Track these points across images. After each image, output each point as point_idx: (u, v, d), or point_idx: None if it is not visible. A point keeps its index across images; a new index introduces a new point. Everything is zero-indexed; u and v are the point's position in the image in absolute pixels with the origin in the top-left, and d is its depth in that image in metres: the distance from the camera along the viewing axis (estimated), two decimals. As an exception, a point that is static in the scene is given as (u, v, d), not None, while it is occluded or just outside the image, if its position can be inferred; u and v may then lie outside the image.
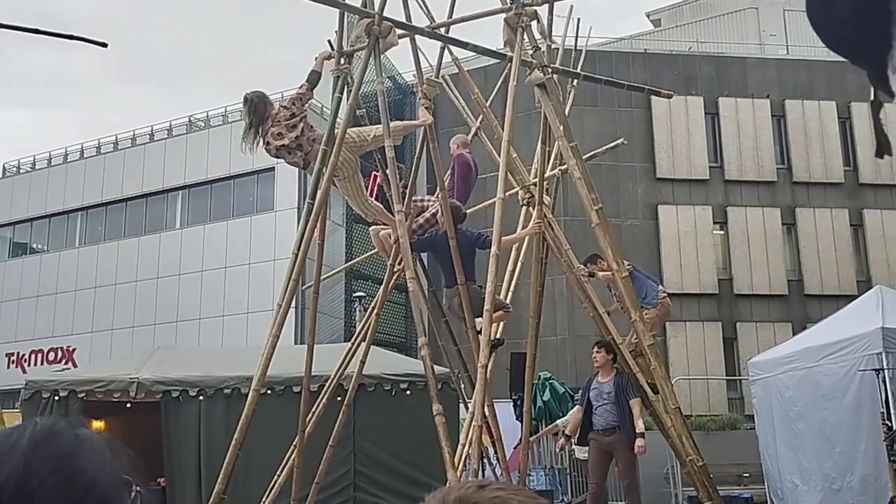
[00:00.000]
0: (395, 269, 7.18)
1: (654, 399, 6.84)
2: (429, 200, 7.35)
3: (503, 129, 6.66)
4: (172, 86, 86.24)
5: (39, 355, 27.38)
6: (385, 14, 6.45)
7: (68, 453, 0.91)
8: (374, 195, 7.49)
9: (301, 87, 6.48)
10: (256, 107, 6.34)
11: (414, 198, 7.26)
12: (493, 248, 5.96)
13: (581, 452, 9.38)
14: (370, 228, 7.93)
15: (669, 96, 8.72)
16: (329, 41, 7.01)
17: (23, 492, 0.85)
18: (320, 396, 7.41)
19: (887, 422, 8.06)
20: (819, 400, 8.75)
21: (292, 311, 9.68)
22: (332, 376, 7.56)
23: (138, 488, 0.96)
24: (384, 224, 7.12)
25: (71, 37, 4.21)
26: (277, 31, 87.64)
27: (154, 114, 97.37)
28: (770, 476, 10.84)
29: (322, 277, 6.96)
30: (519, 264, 8.00)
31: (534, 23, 6.92)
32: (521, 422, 8.00)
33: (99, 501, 0.89)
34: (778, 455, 10.06)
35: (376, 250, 8.40)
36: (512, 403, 11.91)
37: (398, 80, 24.73)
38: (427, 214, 7.07)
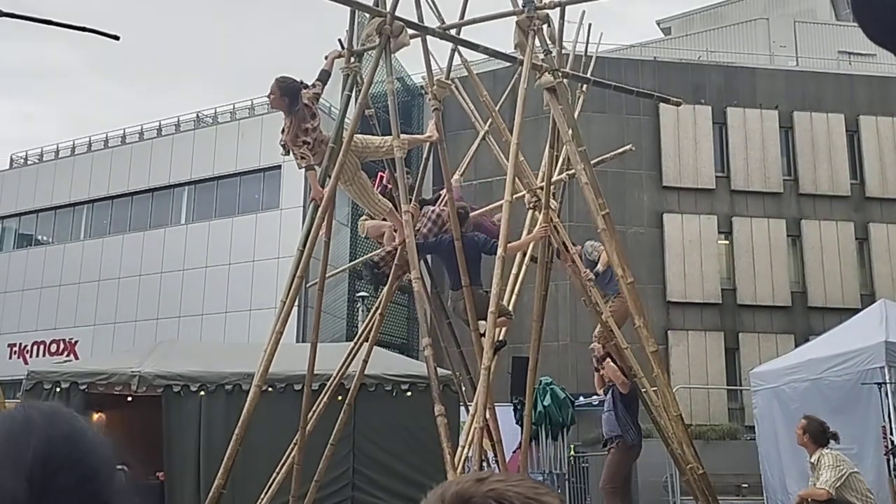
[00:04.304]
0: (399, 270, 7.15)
1: (656, 404, 6.80)
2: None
3: (511, 133, 6.64)
4: (167, 83, 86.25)
5: (42, 346, 27.44)
6: (396, 14, 6.44)
7: (80, 430, 0.92)
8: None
9: (314, 85, 6.44)
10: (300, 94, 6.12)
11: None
12: (500, 251, 5.94)
13: None
14: (360, 221, 7.88)
15: (678, 104, 8.68)
16: (339, 40, 7.00)
17: (49, 468, 0.87)
18: (321, 395, 7.39)
19: (890, 436, 8.04)
20: (826, 414, 8.72)
21: (295, 309, 9.68)
22: (334, 375, 7.54)
23: (121, 466, 0.99)
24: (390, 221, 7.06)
25: (83, 28, 4.21)
26: (275, 30, 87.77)
27: (145, 111, 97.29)
28: (770, 487, 10.80)
29: (326, 276, 6.94)
30: (524, 267, 7.98)
31: (545, 27, 6.91)
32: (521, 426, 7.99)
33: (108, 477, 0.91)
34: (782, 466, 10.02)
35: (381, 250, 8.37)
36: (512, 407, 11.91)
37: (406, 81, 24.73)
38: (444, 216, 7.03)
